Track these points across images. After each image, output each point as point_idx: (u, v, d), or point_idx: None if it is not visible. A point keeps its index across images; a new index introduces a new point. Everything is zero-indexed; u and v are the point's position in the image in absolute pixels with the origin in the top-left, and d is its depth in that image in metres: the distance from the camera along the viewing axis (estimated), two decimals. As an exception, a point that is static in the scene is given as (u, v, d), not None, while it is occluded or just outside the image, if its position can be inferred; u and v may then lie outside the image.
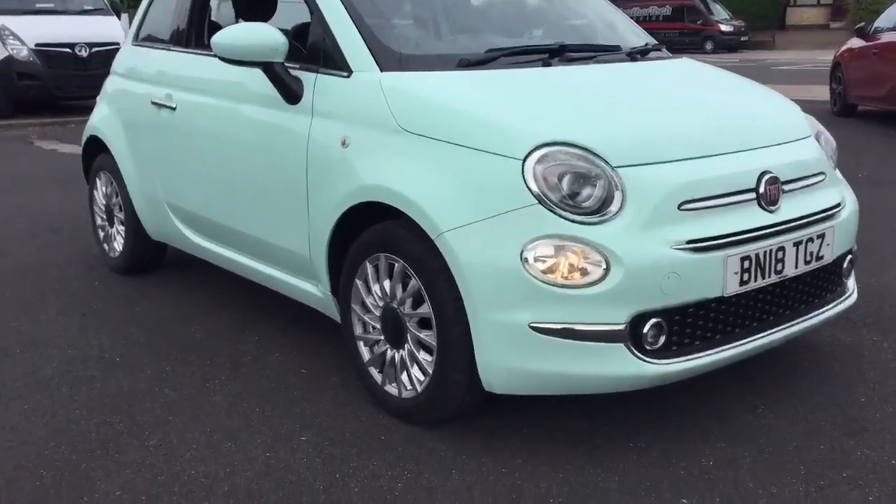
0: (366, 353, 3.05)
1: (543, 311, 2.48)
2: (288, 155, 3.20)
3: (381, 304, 2.92)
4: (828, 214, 2.90)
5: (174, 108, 3.88)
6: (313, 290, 3.29)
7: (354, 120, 2.95)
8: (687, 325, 2.61)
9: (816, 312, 2.94)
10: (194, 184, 3.84)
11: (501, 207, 2.52)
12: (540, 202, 2.48)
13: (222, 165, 3.60)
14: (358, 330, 3.06)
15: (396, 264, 2.80)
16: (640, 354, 2.50)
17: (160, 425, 2.93)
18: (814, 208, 2.86)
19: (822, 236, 2.84)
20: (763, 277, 2.69)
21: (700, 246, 2.54)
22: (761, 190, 2.72)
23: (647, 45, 3.63)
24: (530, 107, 2.76)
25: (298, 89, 3.15)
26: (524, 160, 2.53)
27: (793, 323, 2.85)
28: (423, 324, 2.79)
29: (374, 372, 3.02)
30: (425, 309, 2.72)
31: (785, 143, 2.95)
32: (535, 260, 2.46)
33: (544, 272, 2.46)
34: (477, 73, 2.97)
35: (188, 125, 3.79)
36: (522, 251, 2.47)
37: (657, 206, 2.53)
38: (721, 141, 2.79)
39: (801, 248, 2.77)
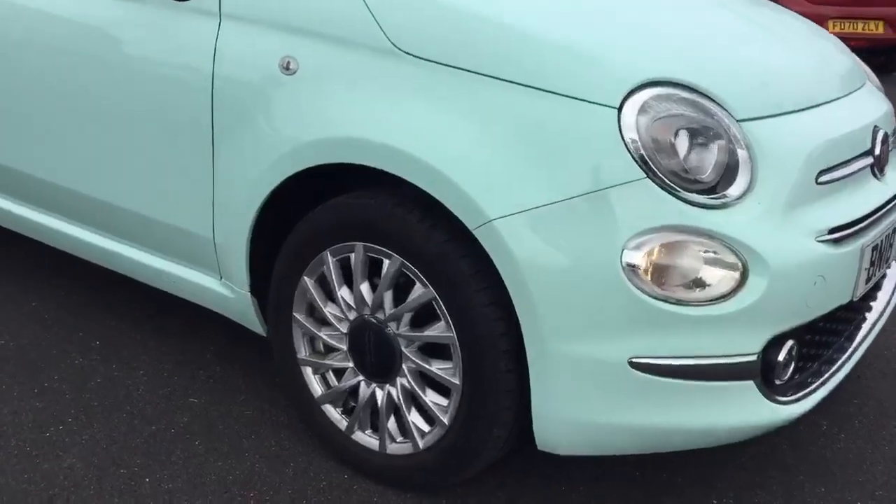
0: (316, 385, 2.05)
1: (651, 339, 1.63)
2: (176, 84, 2.07)
3: (350, 315, 1.93)
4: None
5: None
6: (215, 286, 2.22)
7: (306, 29, 1.89)
8: (813, 345, 1.88)
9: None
10: (17, 129, 2.53)
11: (586, 183, 1.61)
12: (648, 175, 1.61)
13: (62, 101, 2.35)
14: (303, 351, 2.05)
15: (387, 261, 1.82)
16: (769, 392, 1.74)
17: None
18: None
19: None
20: (879, 270, 2.01)
21: (841, 235, 1.80)
22: (876, 151, 2.01)
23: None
24: (621, 28, 1.84)
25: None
26: (620, 108, 1.63)
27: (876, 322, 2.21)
28: (432, 351, 1.85)
29: (331, 413, 2.04)
30: (440, 330, 1.78)
31: (858, 89, 2.24)
32: (644, 265, 1.60)
33: (657, 283, 1.61)
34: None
35: (4, 38, 2.47)
36: (623, 251, 1.59)
37: (797, 178, 1.74)
38: (828, 84, 2.04)
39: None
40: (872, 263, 1.92)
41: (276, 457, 2.09)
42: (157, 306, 2.80)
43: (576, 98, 1.64)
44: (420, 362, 1.83)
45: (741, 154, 1.67)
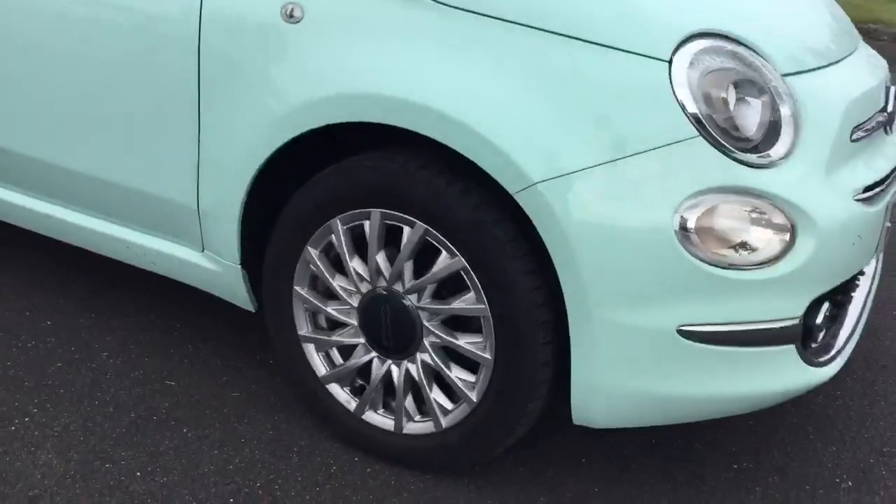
0: (320, 364, 1.91)
1: (701, 306, 1.56)
2: (156, 37, 1.86)
3: (363, 288, 1.79)
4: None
5: None
6: (195, 258, 2.03)
7: (312, -27, 1.71)
8: (836, 306, 1.85)
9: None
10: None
11: (637, 143, 1.51)
12: (701, 133, 1.52)
13: (14, 57, 2.08)
14: (304, 328, 1.90)
15: (409, 228, 1.68)
16: (806, 355, 1.70)
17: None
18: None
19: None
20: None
21: (873, 193, 1.76)
22: (889, 107, 1.98)
23: None
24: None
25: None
26: (671, 61, 1.53)
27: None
28: (455, 324, 1.73)
29: (338, 393, 1.90)
30: (470, 302, 1.66)
31: (859, 46, 2.21)
32: (697, 228, 1.52)
33: (709, 247, 1.53)
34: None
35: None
36: (675, 214, 1.51)
37: (837, 135, 1.69)
38: (841, 41, 1.99)
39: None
40: (892, 221, 1.91)
41: (275, 441, 1.94)
42: (109, 280, 2.58)
43: (624, 50, 1.53)
44: (446, 336, 1.71)
45: (787, 110, 1.60)
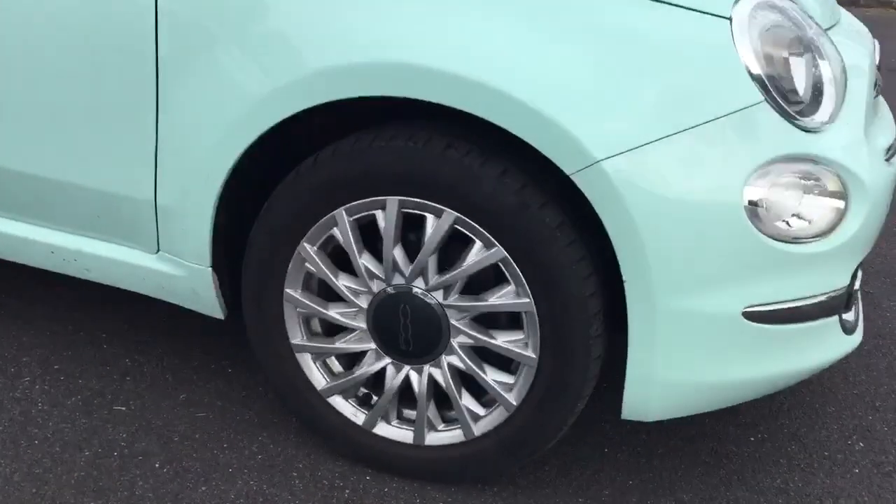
0: (318, 375, 1.66)
1: (766, 284, 1.44)
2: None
3: (374, 287, 1.56)
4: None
5: None
6: (150, 262, 1.72)
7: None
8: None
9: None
10: None
11: (703, 111, 1.36)
12: (766, 98, 1.39)
13: None
14: (298, 336, 1.64)
15: (433, 217, 1.47)
16: (843, 324, 1.64)
17: None
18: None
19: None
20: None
21: (892, 153, 1.72)
22: (880, 67, 1.95)
23: None
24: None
25: None
26: (731, 18, 1.39)
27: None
28: (489, 322, 1.54)
29: (342, 406, 1.67)
30: (509, 297, 1.47)
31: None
32: (765, 201, 1.40)
33: (775, 221, 1.42)
34: None
35: None
36: (746, 186, 1.38)
37: (868, 95, 1.62)
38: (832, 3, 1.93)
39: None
40: (893, 181, 1.88)
41: (269, 467, 1.69)
42: (12, 292, 2.19)
43: (683, 7, 1.37)
44: (480, 336, 1.52)
45: (829, 70, 1.50)
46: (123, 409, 1.83)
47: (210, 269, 1.66)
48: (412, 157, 1.44)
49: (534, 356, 1.50)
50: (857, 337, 1.69)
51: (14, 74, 1.61)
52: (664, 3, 1.37)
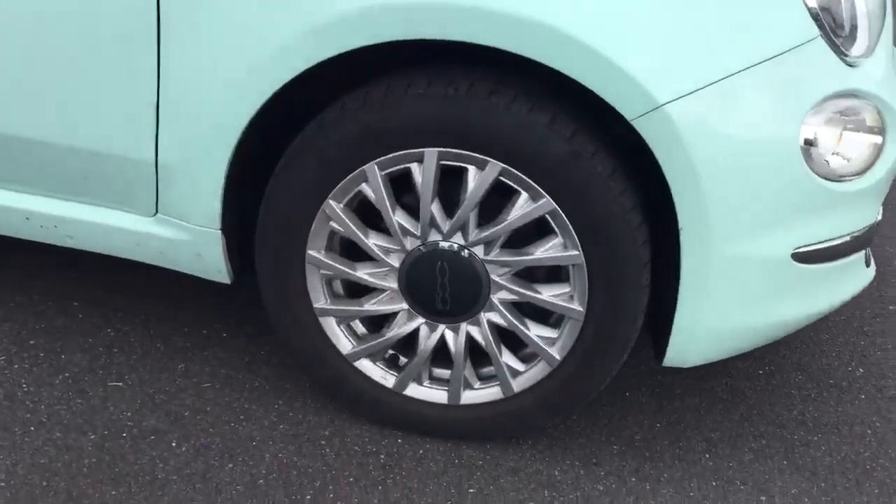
0: (344, 339, 1.57)
1: (812, 225, 1.43)
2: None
3: (408, 245, 1.46)
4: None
5: None
6: (145, 225, 1.57)
7: None
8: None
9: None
10: None
11: (762, 48, 1.30)
12: (822, 32, 1.35)
13: None
14: (322, 300, 1.54)
15: (474, 169, 1.38)
16: (865, 258, 1.66)
17: None
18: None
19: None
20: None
21: (906, 86, 1.72)
22: None
23: None
24: None
25: None
26: (784, -52, 1.33)
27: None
28: (531, 276, 1.48)
29: (370, 370, 1.58)
30: (557, 249, 1.41)
31: None
32: (819, 140, 1.37)
33: (826, 159, 1.40)
34: None
35: None
36: (803, 125, 1.35)
37: (892, 30, 1.60)
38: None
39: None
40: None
41: (294, 437, 1.60)
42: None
43: (738, -62, 1.30)
44: (524, 290, 1.45)
45: (866, 3, 1.47)
46: (120, 384, 1.69)
47: (220, 231, 1.52)
48: (454, 106, 1.34)
49: (580, 309, 1.45)
50: (873, 269, 1.71)
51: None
52: (719, -67, 1.29)
